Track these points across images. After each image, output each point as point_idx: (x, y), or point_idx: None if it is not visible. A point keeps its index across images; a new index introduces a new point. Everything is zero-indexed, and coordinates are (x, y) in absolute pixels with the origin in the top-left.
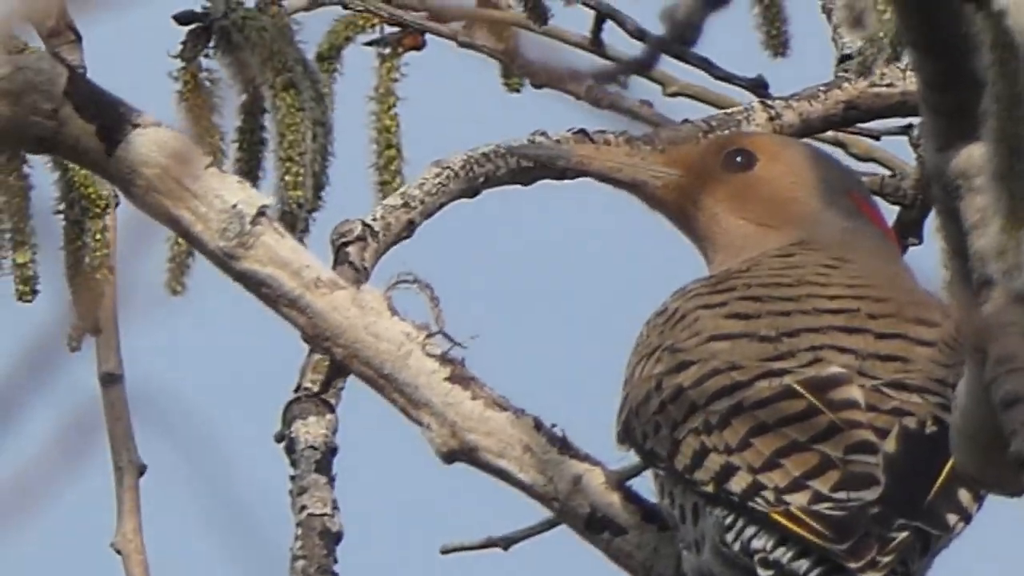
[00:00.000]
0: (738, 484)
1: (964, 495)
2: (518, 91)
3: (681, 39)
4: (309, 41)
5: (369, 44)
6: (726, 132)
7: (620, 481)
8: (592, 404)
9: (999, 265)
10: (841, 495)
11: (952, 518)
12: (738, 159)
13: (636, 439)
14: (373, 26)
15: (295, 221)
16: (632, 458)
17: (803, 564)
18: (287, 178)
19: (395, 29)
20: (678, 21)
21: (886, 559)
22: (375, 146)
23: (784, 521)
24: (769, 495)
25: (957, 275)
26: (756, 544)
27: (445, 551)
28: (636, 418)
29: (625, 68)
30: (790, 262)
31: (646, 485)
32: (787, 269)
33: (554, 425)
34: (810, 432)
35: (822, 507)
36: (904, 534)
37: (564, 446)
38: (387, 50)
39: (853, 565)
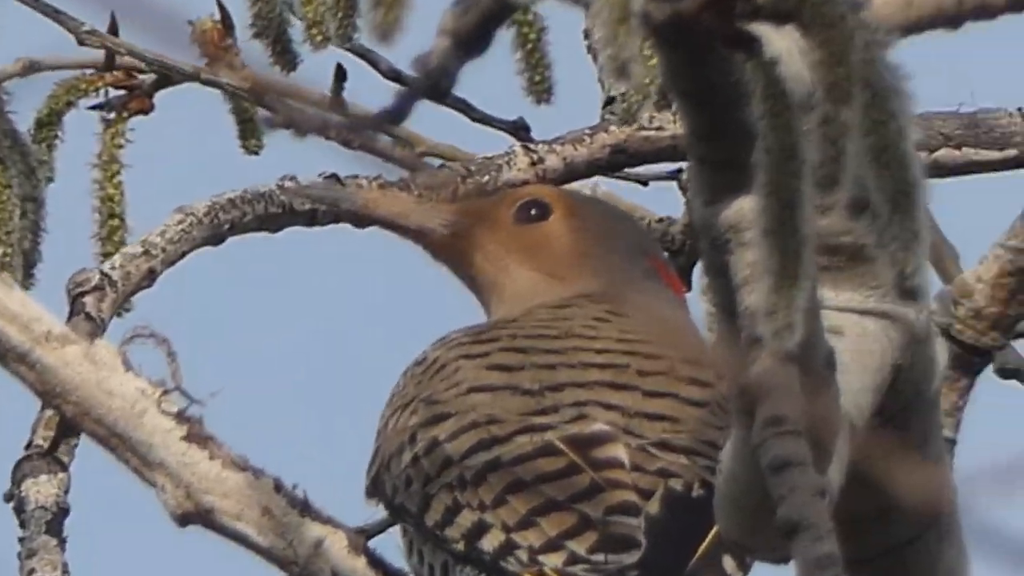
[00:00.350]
0: (490, 543)
1: (728, 562)
2: (256, 153)
3: (435, 88)
4: (27, 108)
5: (92, 108)
6: (520, 186)
7: (364, 544)
8: (337, 464)
9: (769, 325)
10: (599, 557)
11: None
12: (532, 211)
13: (386, 493)
14: (96, 90)
15: None
16: (380, 514)
17: None
18: None
19: (121, 92)
20: (431, 69)
21: None
22: (97, 216)
23: None
24: (522, 555)
25: (725, 333)
26: None
27: None
28: (387, 471)
29: (376, 120)
30: (560, 314)
31: (394, 544)
32: (556, 321)
33: (295, 486)
34: (569, 491)
35: (578, 569)
36: None
37: (305, 508)
38: (111, 115)
39: None
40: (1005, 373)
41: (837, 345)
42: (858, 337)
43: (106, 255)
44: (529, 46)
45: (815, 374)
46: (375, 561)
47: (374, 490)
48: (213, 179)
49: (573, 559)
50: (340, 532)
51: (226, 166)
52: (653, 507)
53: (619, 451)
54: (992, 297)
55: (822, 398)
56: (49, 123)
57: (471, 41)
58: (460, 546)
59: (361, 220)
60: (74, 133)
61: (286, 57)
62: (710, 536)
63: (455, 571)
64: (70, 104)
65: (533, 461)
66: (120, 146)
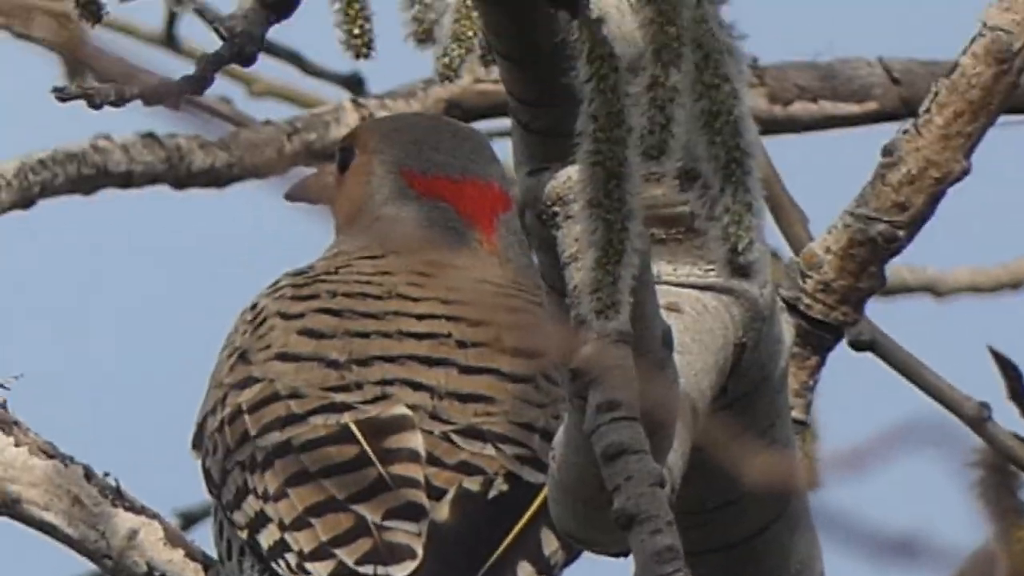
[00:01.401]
0: (267, 539)
1: (524, 570)
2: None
3: (240, 55)
4: None
5: None
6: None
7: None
8: (155, 449)
9: (593, 304)
10: (367, 569)
11: None
12: (345, 157)
13: (201, 452)
14: None
15: None
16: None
17: None
18: None
19: None
20: (236, 34)
21: None
22: None
23: None
24: (292, 559)
25: (555, 312)
26: None
27: None
28: (204, 428)
29: (178, 87)
30: (382, 265)
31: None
32: (378, 275)
33: (107, 474)
34: (353, 488)
35: None
36: None
37: (118, 497)
38: None
39: None
40: (858, 345)
41: (675, 323)
42: (698, 314)
43: None
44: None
45: (651, 354)
46: (193, 553)
47: (197, 442)
48: (22, 137)
49: (341, 570)
50: (155, 522)
51: (35, 122)
52: (442, 512)
53: (416, 441)
54: (842, 269)
55: (659, 380)
56: None
57: (278, 2)
58: (244, 535)
59: (179, 181)
60: None
61: (90, 8)
62: (503, 545)
63: (243, 559)
64: None
65: (323, 448)
66: None
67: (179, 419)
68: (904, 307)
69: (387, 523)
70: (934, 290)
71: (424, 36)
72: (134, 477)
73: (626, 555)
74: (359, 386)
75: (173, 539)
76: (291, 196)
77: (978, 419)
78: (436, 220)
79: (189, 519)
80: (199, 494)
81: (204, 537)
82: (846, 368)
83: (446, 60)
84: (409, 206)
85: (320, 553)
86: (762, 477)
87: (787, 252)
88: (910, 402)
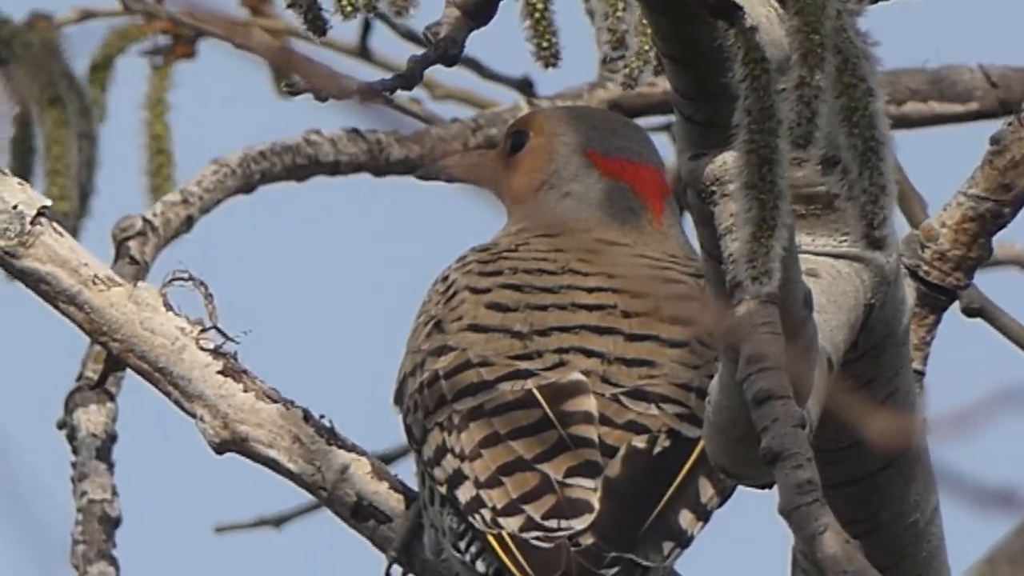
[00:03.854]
0: (464, 494)
1: (686, 517)
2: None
3: (444, 57)
4: (82, 53)
5: (143, 54)
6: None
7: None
8: (362, 396)
9: (749, 270)
10: (552, 523)
11: (667, 546)
12: (516, 140)
13: (402, 408)
14: (146, 36)
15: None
16: (401, 439)
17: None
18: (53, 190)
19: (167, 38)
20: (441, 38)
21: None
22: (147, 152)
23: (496, 546)
24: (487, 514)
25: (711, 277)
26: (480, 566)
27: (219, 529)
28: (405, 386)
29: (389, 85)
30: (556, 243)
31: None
32: (553, 252)
33: (322, 416)
34: (537, 448)
35: (531, 536)
36: (612, 571)
37: (332, 436)
38: (159, 59)
39: None
40: (970, 312)
41: (814, 287)
42: (833, 279)
43: (155, 188)
44: (537, 15)
45: (794, 313)
46: (396, 485)
47: (398, 398)
48: (252, 122)
49: (529, 524)
50: (364, 459)
51: (257, 120)
52: (614, 469)
53: (590, 404)
54: (956, 241)
55: (801, 335)
56: (103, 66)
57: (478, 11)
58: (443, 489)
59: (380, 169)
60: (123, 81)
61: (317, 24)
62: (667, 495)
63: (444, 507)
64: (121, 50)
65: (511, 412)
66: (167, 88)
67: (383, 374)
68: (995, 278)
69: (568, 480)
70: (1021, 263)
71: (618, 43)
72: (344, 420)
73: (771, 487)
74: (539, 354)
75: (379, 473)
76: (428, 175)
77: None
78: (616, 198)
79: (386, 459)
80: (397, 438)
81: (403, 472)
82: (958, 332)
83: (627, 71)
84: (595, 184)
85: (511, 509)
86: (883, 426)
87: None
88: (1014, 363)
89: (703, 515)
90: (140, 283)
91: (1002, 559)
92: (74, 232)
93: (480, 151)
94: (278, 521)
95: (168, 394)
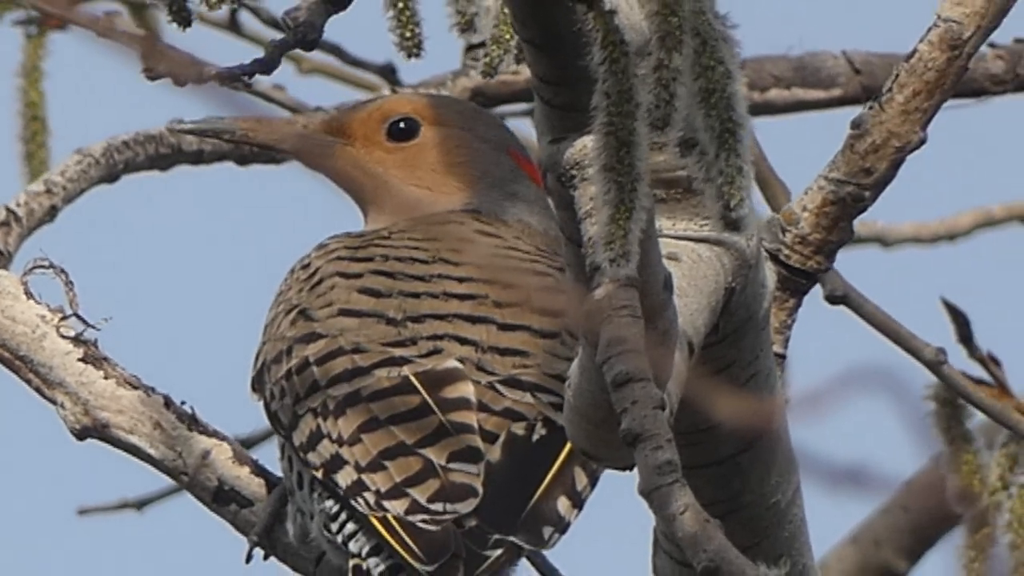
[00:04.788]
0: (344, 479)
1: (563, 503)
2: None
3: (302, 41)
4: None
5: (17, 23)
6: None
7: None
8: (222, 382)
9: (608, 253)
10: (437, 506)
11: (547, 530)
12: (402, 126)
13: (265, 395)
14: (20, 6)
15: None
16: (262, 423)
17: None
18: None
19: (39, 12)
20: (300, 23)
21: None
22: (21, 119)
23: (381, 528)
24: (370, 497)
25: (571, 261)
26: (353, 546)
27: (82, 512)
28: (268, 373)
29: (248, 69)
30: (432, 232)
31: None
32: (426, 241)
33: (184, 402)
34: (419, 434)
35: (417, 519)
36: (497, 552)
37: (193, 422)
38: (33, 29)
39: None
40: (834, 299)
41: (674, 270)
42: (693, 263)
43: (29, 156)
44: (400, 4)
45: (654, 297)
46: (258, 469)
47: (257, 385)
48: (117, 108)
49: (414, 507)
50: (225, 444)
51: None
52: (495, 454)
53: (468, 390)
54: (817, 224)
55: (661, 318)
56: None
57: None
58: (319, 474)
59: (243, 159)
60: None
61: (181, 16)
62: (546, 482)
63: (315, 491)
64: None
65: (389, 398)
66: (41, 57)
67: (243, 360)
68: (856, 256)
69: (451, 465)
70: (883, 240)
71: (466, 26)
72: (205, 407)
73: (632, 468)
74: (414, 341)
75: (240, 458)
76: (209, 129)
77: (936, 362)
78: (542, 203)
79: (247, 444)
80: (255, 423)
81: (264, 456)
82: (818, 317)
83: (487, 59)
84: (529, 187)
85: (395, 492)
86: (740, 409)
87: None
88: (879, 347)
89: (578, 502)
90: (0, 271)
91: (866, 539)
92: None
93: (299, 121)
94: (140, 504)
95: (29, 382)
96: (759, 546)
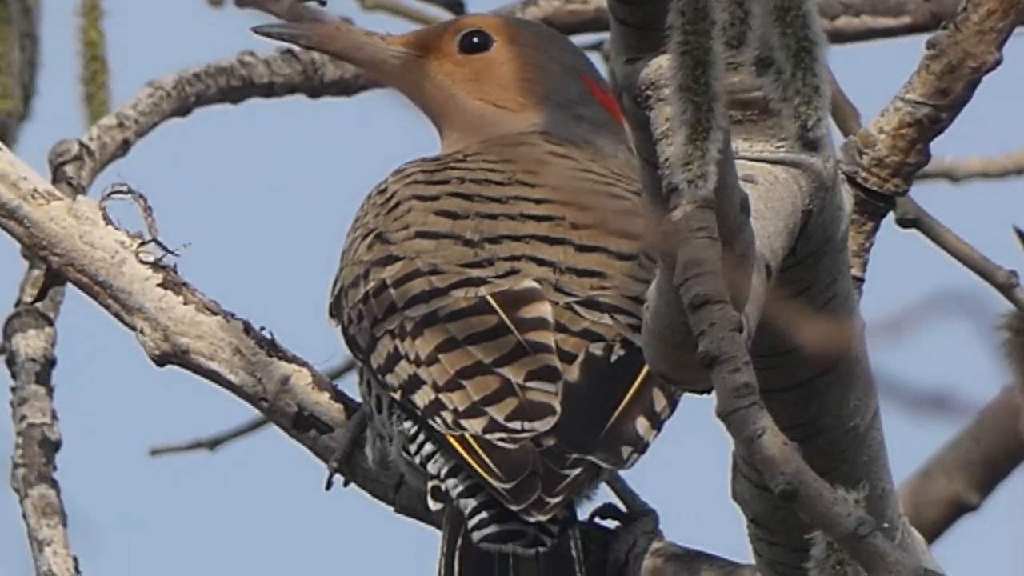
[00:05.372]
0: (422, 399)
1: (642, 424)
2: (219, 3)
3: None
4: None
5: None
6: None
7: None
8: (301, 309)
9: (685, 174)
10: (515, 425)
11: (626, 450)
12: (475, 40)
13: (343, 320)
14: None
15: (5, 131)
16: (343, 356)
17: (470, 503)
18: None
19: None
20: None
21: (553, 500)
22: (81, 59)
23: (458, 447)
24: (448, 416)
25: (647, 183)
26: (432, 468)
27: (154, 452)
28: (345, 298)
29: None
30: (507, 154)
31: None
32: (502, 163)
33: (263, 328)
34: (496, 353)
35: (495, 437)
36: (575, 471)
37: (272, 348)
38: None
39: (514, 508)
40: (905, 223)
41: (751, 192)
42: (770, 185)
43: (89, 96)
44: None
45: (731, 219)
46: (337, 395)
47: (335, 311)
48: (186, 41)
49: (492, 426)
50: (304, 370)
51: (193, 31)
52: (573, 374)
53: (546, 310)
54: (894, 147)
55: (738, 241)
56: None
57: None
58: (397, 395)
59: (314, 91)
60: None
61: None
62: (624, 401)
63: (393, 413)
64: None
65: (466, 318)
66: None
67: (322, 288)
68: (926, 190)
69: (529, 384)
70: (951, 176)
71: None
72: (285, 333)
73: (710, 391)
74: (491, 262)
75: (320, 384)
76: (280, 34)
77: (1007, 285)
78: (616, 131)
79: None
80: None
81: (345, 385)
82: (895, 241)
83: None
84: (599, 112)
85: (473, 411)
86: (820, 333)
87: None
88: (950, 272)
89: (657, 423)
90: (79, 197)
91: (938, 472)
92: (15, 135)
93: (377, 35)
94: (212, 443)
95: (108, 307)
96: (838, 470)
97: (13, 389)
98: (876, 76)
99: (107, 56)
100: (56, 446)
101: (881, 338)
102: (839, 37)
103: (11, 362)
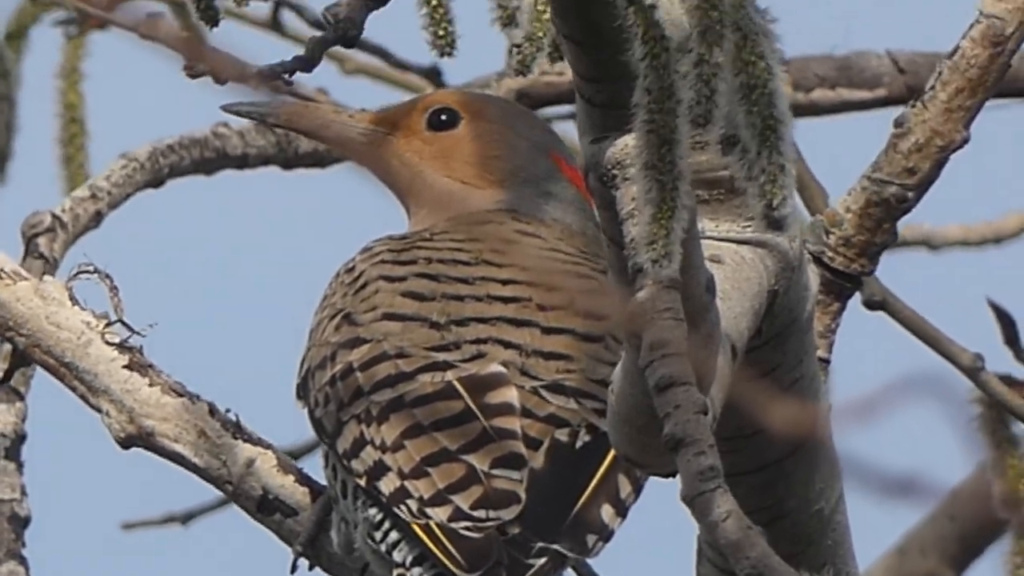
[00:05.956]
0: (387, 486)
1: (607, 511)
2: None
3: (343, 38)
4: None
5: (57, 24)
6: (430, 91)
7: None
8: (267, 391)
9: (650, 253)
10: (480, 513)
11: (591, 539)
12: (442, 117)
13: (309, 402)
14: (60, 7)
15: None
16: (308, 434)
17: None
18: None
19: (80, 11)
20: (340, 19)
21: None
22: (60, 120)
23: (423, 536)
24: (413, 505)
25: (613, 263)
26: (397, 556)
27: (127, 527)
28: (312, 380)
29: (289, 67)
30: (475, 232)
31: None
32: (469, 242)
33: (228, 410)
34: (462, 440)
35: (460, 526)
36: (540, 560)
37: (238, 430)
38: (73, 29)
39: None
40: (872, 305)
41: (717, 272)
42: (736, 265)
43: (67, 158)
44: (433, 2)
45: (696, 299)
46: (302, 478)
47: (302, 393)
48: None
49: (457, 515)
50: (270, 452)
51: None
52: (538, 460)
53: (512, 395)
54: (860, 226)
55: (704, 321)
56: (17, 35)
57: None
58: (363, 481)
59: (288, 163)
60: (37, 50)
61: (209, 14)
62: (589, 490)
63: (358, 499)
64: (35, 19)
65: (432, 404)
66: (81, 59)
67: (288, 368)
68: (903, 259)
69: (494, 471)
70: (929, 243)
71: (508, 21)
72: (250, 415)
73: (674, 475)
74: (457, 345)
75: (285, 467)
76: (247, 112)
77: (973, 368)
78: (584, 208)
79: (294, 456)
80: (301, 433)
81: (310, 466)
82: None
83: (520, 57)
84: (567, 189)
85: (438, 499)
86: (785, 415)
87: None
88: (917, 353)
89: (622, 510)
90: (46, 277)
91: (912, 549)
92: None
93: (345, 112)
94: (185, 518)
95: (74, 389)
96: (803, 554)
97: None
98: (851, 150)
99: (85, 118)
100: (25, 522)
101: (848, 421)
102: (814, 110)
103: None
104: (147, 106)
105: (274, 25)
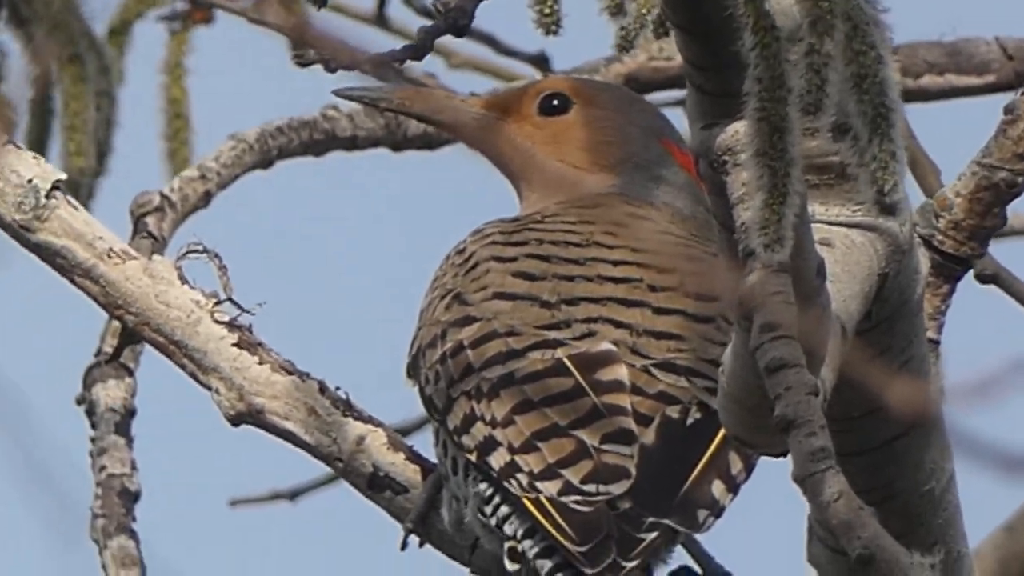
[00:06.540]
0: (497, 460)
1: (717, 487)
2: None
3: (453, 27)
4: (102, 16)
5: (161, 19)
6: (542, 76)
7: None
8: (376, 368)
9: (761, 238)
10: (590, 487)
11: (702, 514)
12: (554, 102)
13: (420, 380)
14: (164, 1)
15: (78, 187)
16: (418, 411)
17: (546, 564)
18: (70, 146)
19: (184, 3)
20: (450, 9)
21: (629, 564)
22: (164, 116)
23: (533, 509)
24: (523, 479)
25: (724, 247)
26: (508, 528)
27: (234, 503)
28: (423, 358)
29: (400, 55)
30: (586, 215)
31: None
32: (580, 224)
33: (338, 388)
34: (572, 415)
35: (570, 500)
36: (652, 535)
37: (347, 408)
38: (177, 24)
39: (589, 571)
40: (983, 279)
41: (827, 256)
42: (847, 248)
43: (172, 153)
44: None
45: (807, 283)
46: (413, 456)
47: (413, 371)
48: (268, 95)
49: (567, 488)
50: (380, 430)
51: (274, 86)
52: (649, 437)
53: (622, 373)
54: (970, 210)
55: (814, 304)
56: (121, 31)
57: None
58: (473, 456)
59: (397, 144)
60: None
61: None
62: (700, 465)
63: (469, 475)
64: (139, 15)
65: (542, 380)
66: (185, 53)
67: (398, 346)
68: (1009, 248)
69: (604, 446)
70: None
71: (616, 9)
72: (359, 393)
73: (786, 455)
74: (568, 324)
75: (395, 444)
76: (359, 96)
77: None
78: (694, 192)
79: (403, 432)
80: (411, 411)
81: (420, 443)
82: (973, 299)
83: (623, 33)
84: (678, 174)
85: (548, 473)
86: (898, 394)
87: (922, 197)
88: None
89: (733, 487)
90: (155, 256)
91: (1021, 527)
92: (90, 191)
93: (457, 97)
94: (292, 495)
95: (183, 367)
96: (914, 533)
97: (93, 439)
98: (960, 135)
99: (189, 113)
100: (135, 497)
101: (962, 400)
102: (923, 95)
103: (91, 412)
104: (251, 97)
105: (379, 20)
